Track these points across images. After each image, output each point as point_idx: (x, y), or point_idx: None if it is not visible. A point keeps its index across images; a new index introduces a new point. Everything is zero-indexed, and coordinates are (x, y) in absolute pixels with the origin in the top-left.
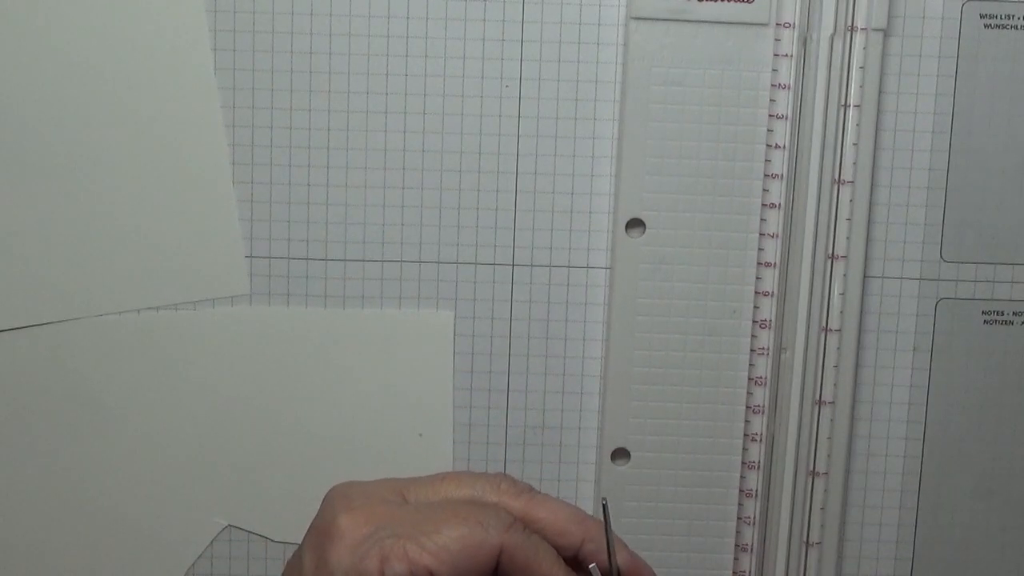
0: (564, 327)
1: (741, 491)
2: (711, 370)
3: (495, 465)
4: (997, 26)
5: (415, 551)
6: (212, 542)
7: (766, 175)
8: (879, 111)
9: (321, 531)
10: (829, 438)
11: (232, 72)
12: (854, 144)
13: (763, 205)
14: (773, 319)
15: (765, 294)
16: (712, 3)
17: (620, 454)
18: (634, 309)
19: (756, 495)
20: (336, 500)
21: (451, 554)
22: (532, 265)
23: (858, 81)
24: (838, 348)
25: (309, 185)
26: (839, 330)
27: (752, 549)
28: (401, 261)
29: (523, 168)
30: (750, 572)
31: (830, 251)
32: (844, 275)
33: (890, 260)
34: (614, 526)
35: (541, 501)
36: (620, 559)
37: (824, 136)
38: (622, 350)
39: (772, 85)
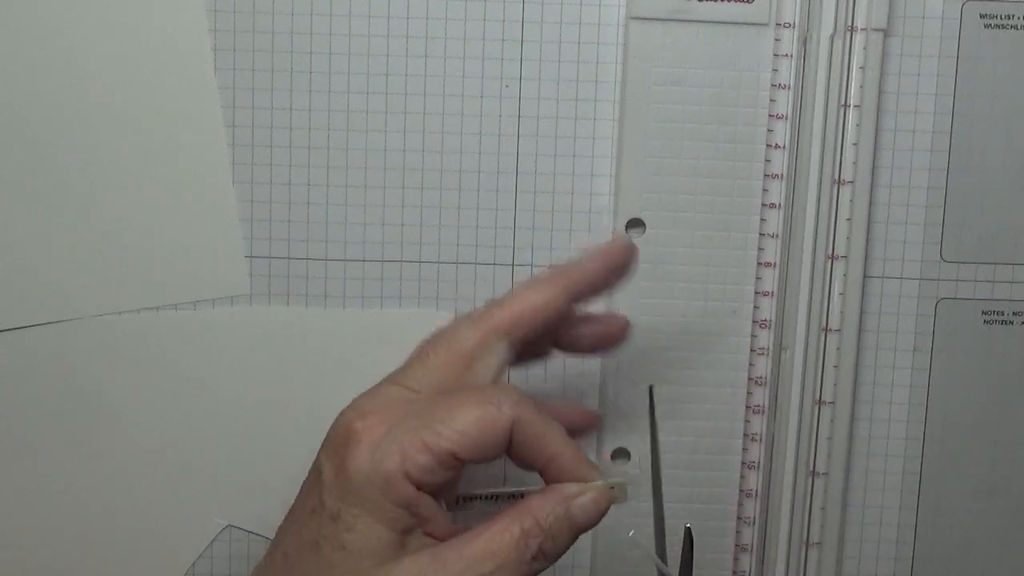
0: None
1: (741, 491)
2: (711, 370)
3: (496, 467)
4: (997, 26)
5: (433, 439)
6: (212, 542)
7: (766, 175)
8: (879, 111)
9: (337, 440)
10: (829, 438)
11: (232, 72)
12: (854, 144)
13: (763, 205)
14: (773, 319)
15: (765, 294)
16: (712, 3)
17: (620, 454)
18: (634, 309)
19: (756, 495)
20: (347, 411)
21: (470, 436)
22: (532, 265)
23: (858, 81)
24: (838, 348)
25: (309, 185)
26: (839, 330)
27: (752, 549)
28: (401, 261)
29: (523, 168)
30: (750, 572)
31: (830, 251)
32: (844, 275)
33: (890, 260)
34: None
35: (509, 299)
36: (571, 412)
37: (824, 136)
38: (622, 349)
39: (772, 85)
